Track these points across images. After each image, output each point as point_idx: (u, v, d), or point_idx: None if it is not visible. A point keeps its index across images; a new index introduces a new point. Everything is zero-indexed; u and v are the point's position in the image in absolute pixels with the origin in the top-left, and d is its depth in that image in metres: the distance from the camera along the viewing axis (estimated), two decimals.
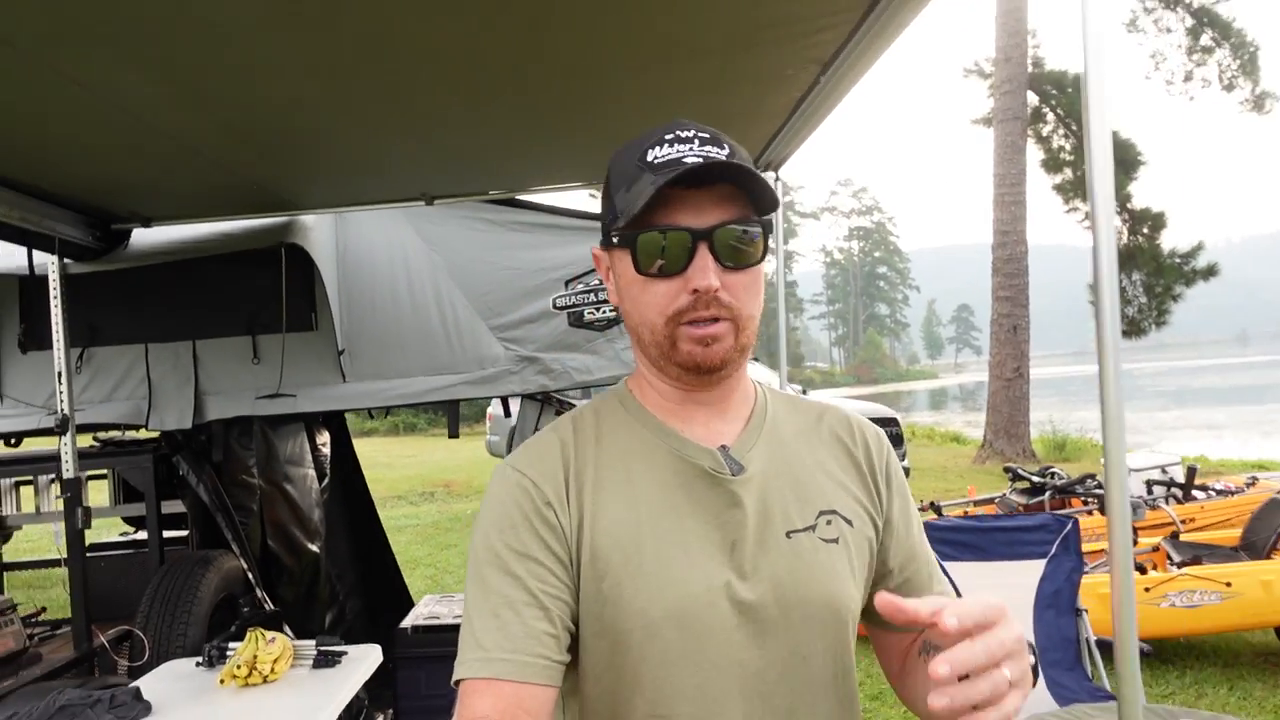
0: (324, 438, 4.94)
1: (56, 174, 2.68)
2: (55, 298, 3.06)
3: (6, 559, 5.24)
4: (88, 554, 3.30)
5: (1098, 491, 5.62)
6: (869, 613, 1.02)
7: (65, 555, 3.17)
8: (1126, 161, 14.06)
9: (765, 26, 1.90)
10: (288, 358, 3.54)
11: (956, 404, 44.75)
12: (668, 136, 0.91)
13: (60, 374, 3.07)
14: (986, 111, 16.70)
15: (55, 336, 3.07)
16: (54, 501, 4.87)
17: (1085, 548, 5.05)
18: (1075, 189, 14.85)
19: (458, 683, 0.85)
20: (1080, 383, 45.43)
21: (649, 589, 0.89)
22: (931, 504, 5.79)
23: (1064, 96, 15.16)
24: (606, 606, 0.90)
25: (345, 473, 4.87)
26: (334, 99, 2.17)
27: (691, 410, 0.98)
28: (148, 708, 2.31)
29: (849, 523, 0.97)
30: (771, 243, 0.96)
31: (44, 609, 4.47)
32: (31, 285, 3.36)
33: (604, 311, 3.67)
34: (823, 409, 1.07)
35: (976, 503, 6.75)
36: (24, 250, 3.05)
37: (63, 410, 3.06)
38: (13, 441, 4.12)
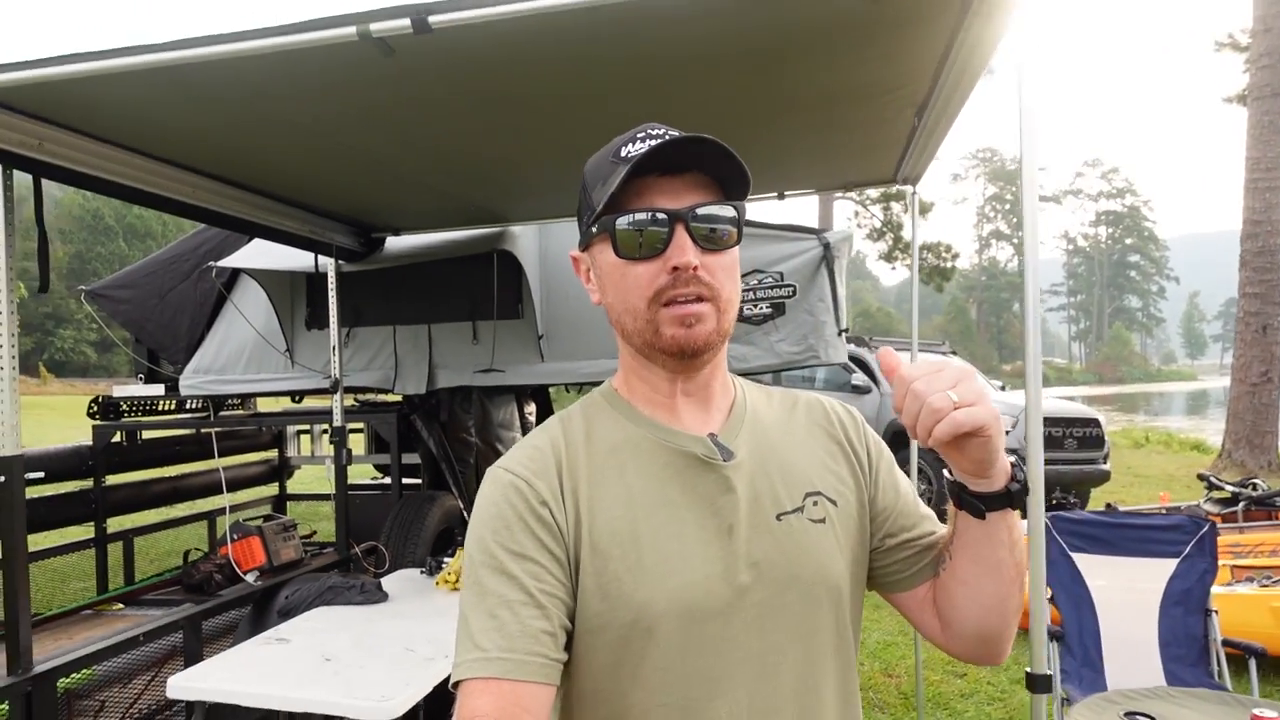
0: (531, 408, 5.80)
1: (335, 199, 3.59)
2: (331, 289, 4.01)
3: (289, 491, 6.57)
4: (348, 490, 4.28)
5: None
6: (888, 581, 1.06)
7: (334, 487, 4.15)
8: None
9: (853, 89, 2.34)
10: (499, 340, 4.35)
11: (1220, 409, 40.20)
12: (640, 135, 0.94)
13: (334, 347, 4.04)
14: (1241, 88, 15.14)
15: (331, 318, 4.04)
16: (324, 447, 6.08)
17: (1265, 562, 4.94)
18: None
19: (456, 684, 0.86)
20: None
21: (649, 580, 0.89)
22: (1108, 505, 5.75)
23: None
24: (607, 600, 0.89)
25: None
26: (527, 149, 2.84)
27: (677, 403, 0.99)
28: (385, 596, 3.15)
29: (833, 502, 0.99)
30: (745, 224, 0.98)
31: (315, 532, 5.64)
32: (316, 279, 4.37)
33: (761, 308, 4.17)
34: (797, 396, 1.11)
35: (1166, 510, 6.54)
36: (311, 254, 4.03)
37: (335, 374, 4.03)
38: (297, 398, 5.27)
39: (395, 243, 4.25)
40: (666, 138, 0.91)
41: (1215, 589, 3.59)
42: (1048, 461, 7.82)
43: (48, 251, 2.60)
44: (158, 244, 52.03)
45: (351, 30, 1.75)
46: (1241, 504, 5.73)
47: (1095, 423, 8.69)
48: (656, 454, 0.96)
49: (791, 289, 4.12)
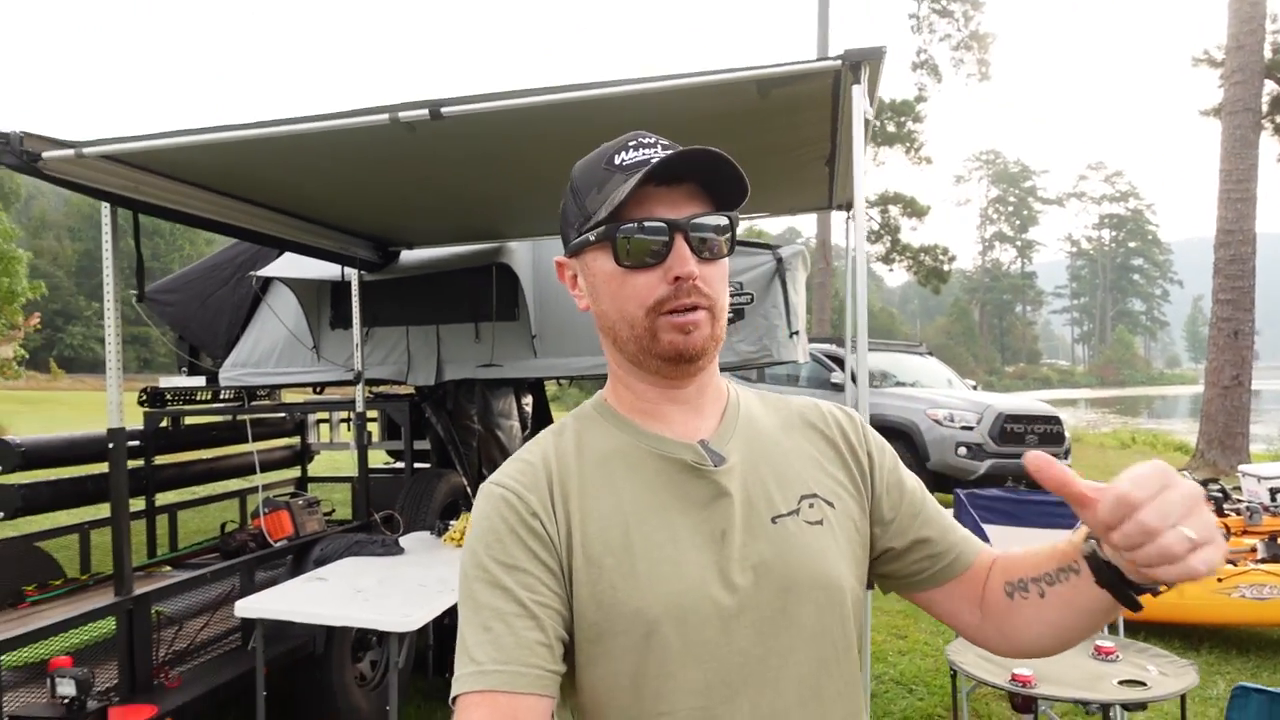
0: (528, 400, 6.48)
1: (359, 221, 4.28)
2: (354, 295, 4.69)
3: (309, 474, 7.25)
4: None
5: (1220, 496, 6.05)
6: (911, 582, 1.05)
7: (356, 466, 4.83)
8: None
9: (771, 148, 3.00)
10: (498, 339, 5.02)
11: None
12: (631, 144, 0.94)
13: (356, 344, 4.72)
14: (1216, 103, 15.74)
15: (353, 319, 4.71)
16: (341, 435, 6.75)
17: None
18: None
19: (454, 700, 0.85)
20: None
21: (643, 588, 0.89)
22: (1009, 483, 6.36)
23: None
24: (602, 610, 0.89)
25: (542, 425, 6.40)
26: (516, 185, 3.51)
27: (667, 410, 0.99)
28: (402, 550, 3.84)
29: (830, 504, 0.98)
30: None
31: (334, 510, 6.32)
32: (340, 287, 5.05)
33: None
34: (789, 402, 1.10)
35: None
36: (337, 265, 4.71)
37: (358, 368, 4.70)
38: (319, 390, 5.95)
39: (409, 255, 4.93)
40: (658, 147, 0.93)
41: None
42: (1009, 455, 8.46)
43: (143, 268, 3.26)
44: (165, 241, 52.88)
45: (385, 117, 2.42)
46: None
47: (1056, 420, 9.33)
48: (647, 462, 0.96)
49: (750, 297, 4.78)
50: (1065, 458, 9.29)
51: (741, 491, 0.95)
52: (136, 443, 5.11)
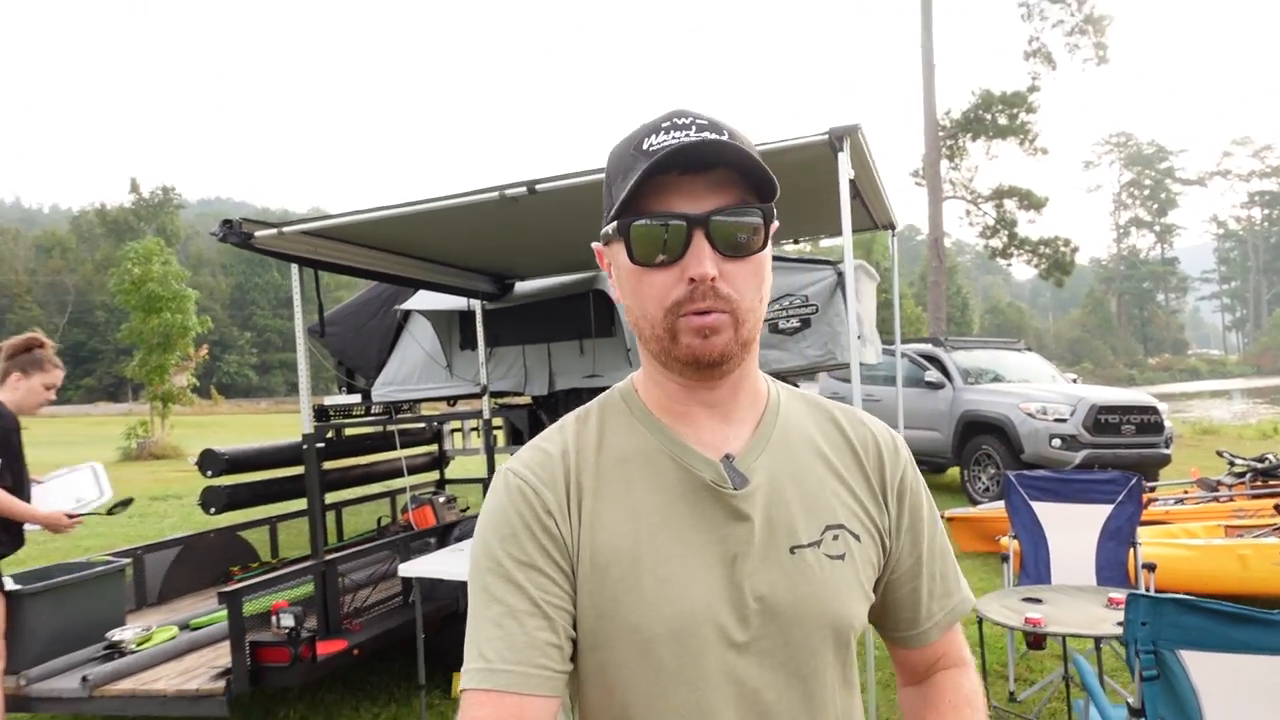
0: None
1: (480, 261, 5.21)
2: (479, 321, 5.64)
3: (446, 478, 8.30)
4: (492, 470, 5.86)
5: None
6: (895, 636, 1.05)
7: (485, 468, 5.75)
8: None
9: (809, 190, 3.69)
10: (598, 353, 5.87)
11: None
12: (664, 124, 0.86)
13: (481, 362, 5.66)
14: None
15: (478, 342, 5.65)
16: (473, 441, 7.74)
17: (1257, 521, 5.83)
18: None
19: (461, 692, 0.85)
20: None
21: (645, 603, 0.87)
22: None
23: None
24: (602, 620, 0.88)
25: None
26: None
27: (696, 412, 0.94)
28: None
29: (856, 537, 0.95)
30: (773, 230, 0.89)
31: (468, 506, 7.29)
32: (467, 315, 6.02)
33: (791, 323, 5.50)
34: (836, 411, 1.03)
35: (1196, 483, 7.36)
36: (464, 299, 5.66)
37: (484, 382, 5.64)
38: (452, 403, 6.94)
39: (522, 286, 5.85)
40: (692, 129, 0.85)
41: (1193, 542, 4.65)
42: (1104, 446, 8.68)
43: (323, 310, 4.25)
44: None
45: (495, 194, 3.28)
46: (1247, 475, 6.58)
47: (1153, 410, 9.42)
48: (667, 470, 0.92)
49: (815, 308, 5.44)
50: (1165, 448, 9.35)
51: (763, 516, 0.91)
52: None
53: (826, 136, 2.87)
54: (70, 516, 3.57)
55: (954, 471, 10.65)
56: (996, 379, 10.68)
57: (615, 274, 0.93)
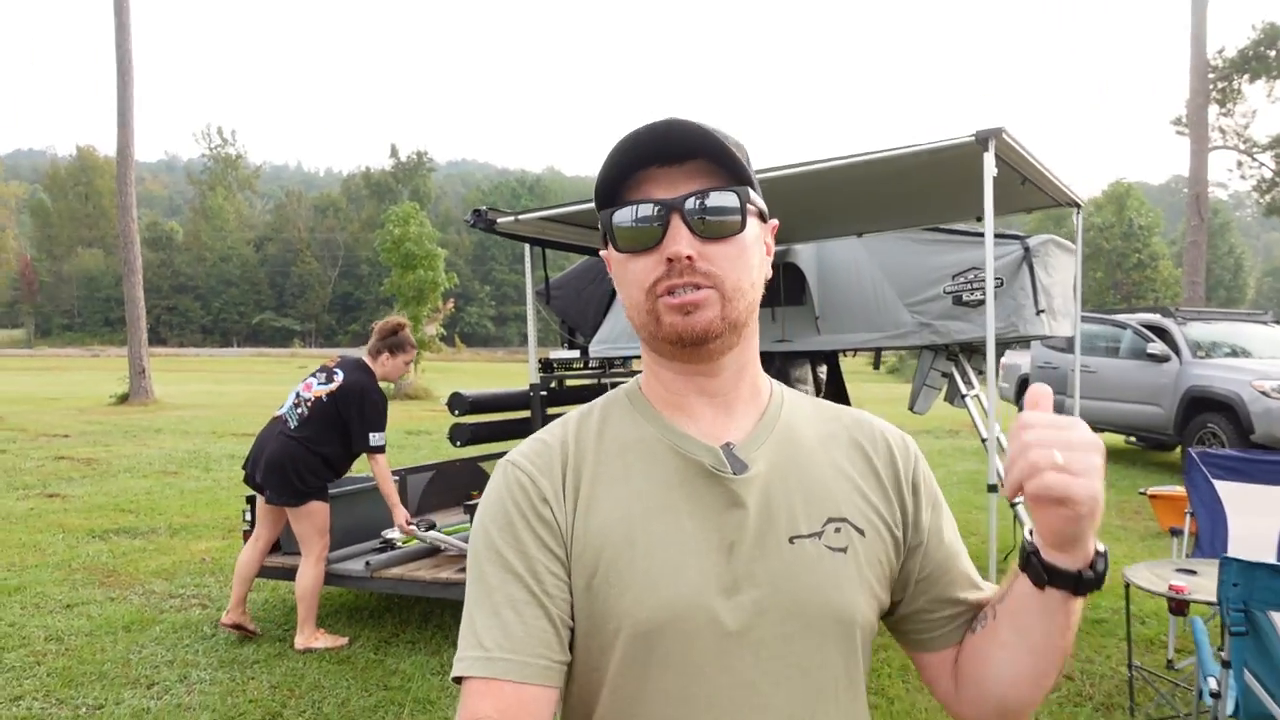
0: (823, 368, 7.74)
1: None
2: None
3: None
4: None
5: None
6: (915, 640, 1.00)
7: None
8: None
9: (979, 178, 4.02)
10: (788, 320, 6.37)
11: None
12: (651, 123, 0.88)
13: None
14: None
15: None
16: None
17: None
18: None
19: (458, 679, 0.84)
20: None
21: (636, 588, 0.86)
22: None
23: None
24: (594, 604, 0.87)
25: (834, 390, 7.64)
26: (796, 211, 4.83)
27: (696, 402, 0.94)
28: None
29: (860, 532, 0.93)
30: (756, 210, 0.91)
31: None
32: None
33: (976, 295, 5.72)
34: (844, 413, 1.03)
35: None
36: None
37: None
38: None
39: None
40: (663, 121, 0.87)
41: None
42: None
43: (549, 281, 5.09)
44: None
45: None
46: None
47: None
48: (666, 459, 0.91)
49: (1000, 281, 5.62)
50: None
51: (760, 504, 0.90)
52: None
53: (973, 139, 3.23)
54: (408, 523, 4.45)
55: (1177, 453, 10.11)
56: (1233, 353, 9.97)
57: (611, 270, 0.95)
